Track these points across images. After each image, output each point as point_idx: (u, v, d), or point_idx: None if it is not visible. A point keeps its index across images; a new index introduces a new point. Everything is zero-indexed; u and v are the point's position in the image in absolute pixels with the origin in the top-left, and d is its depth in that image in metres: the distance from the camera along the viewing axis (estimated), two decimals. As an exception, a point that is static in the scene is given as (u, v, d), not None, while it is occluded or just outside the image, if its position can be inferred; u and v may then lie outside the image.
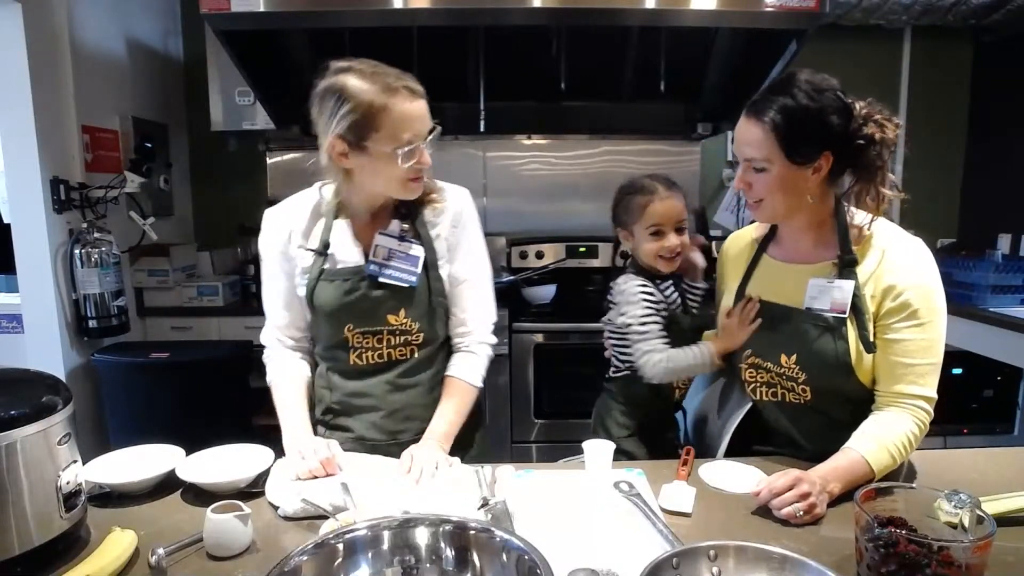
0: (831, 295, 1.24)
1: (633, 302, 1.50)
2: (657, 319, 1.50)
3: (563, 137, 3.34)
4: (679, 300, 1.59)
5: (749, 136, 1.22)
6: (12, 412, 0.93)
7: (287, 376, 1.41)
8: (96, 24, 2.69)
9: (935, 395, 1.21)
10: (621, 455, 1.42)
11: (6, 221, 2.53)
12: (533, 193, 3.37)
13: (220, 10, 2.09)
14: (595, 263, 3.23)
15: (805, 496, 1.07)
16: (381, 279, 1.30)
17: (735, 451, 1.37)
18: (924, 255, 1.22)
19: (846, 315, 1.22)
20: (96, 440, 2.59)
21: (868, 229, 1.24)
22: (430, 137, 1.25)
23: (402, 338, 1.35)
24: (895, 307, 1.19)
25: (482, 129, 2.83)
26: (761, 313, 1.34)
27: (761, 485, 1.11)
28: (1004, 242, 3.12)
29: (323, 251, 1.32)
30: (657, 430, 1.61)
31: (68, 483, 1.00)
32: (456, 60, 2.79)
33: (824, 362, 1.24)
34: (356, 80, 1.20)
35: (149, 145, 2.85)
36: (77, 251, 2.48)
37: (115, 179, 2.66)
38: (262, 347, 1.47)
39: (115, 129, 2.81)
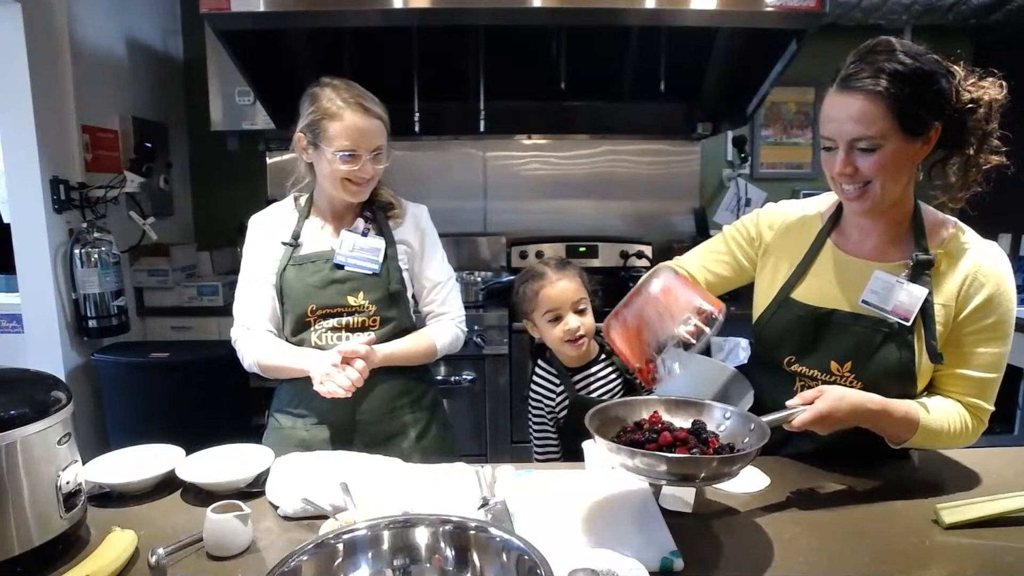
0: (896, 296, 1.13)
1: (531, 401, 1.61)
2: (542, 422, 1.59)
3: (563, 137, 3.33)
4: (619, 383, 1.57)
5: (853, 111, 1.05)
6: (12, 412, 0.93)
7: (272, 338, 1.52)
8: (96, 24, 2.68)
9: (992, 408, 1.20)
10: None
11: (6, 221, 2.52)
12: (533, 193, 3.36)
13: (220, 10, 2.09)
14: (595, 263, 3.23)
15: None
16: (347, 267, 1.49)
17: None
18: (1008, 266, 1.15)
19: (909, 323, 1.13)
20: (96, 440, 2.58)
21: (953, 230, 1.16)
22: (373, 154, 1.44)
23: (359, 319, 1.49)
24: (980, 319, 1.13)
25: (482, 129, 2.83)
26: (805, 317, 1.23)
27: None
28: (1004, 242, 3.12)
29: (294, 243, 1.51)
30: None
31: (68, 483, 1.00)
32: (456, 60, 2.78)
33: (886, 370, 1.16)
34: (327, 91, 1.43)
35: (149, 145, 2.84)
36: (77, 251, 2.47)
37: (115, 179, 2.65)
38: None
39: (115, 129, 2.80)
